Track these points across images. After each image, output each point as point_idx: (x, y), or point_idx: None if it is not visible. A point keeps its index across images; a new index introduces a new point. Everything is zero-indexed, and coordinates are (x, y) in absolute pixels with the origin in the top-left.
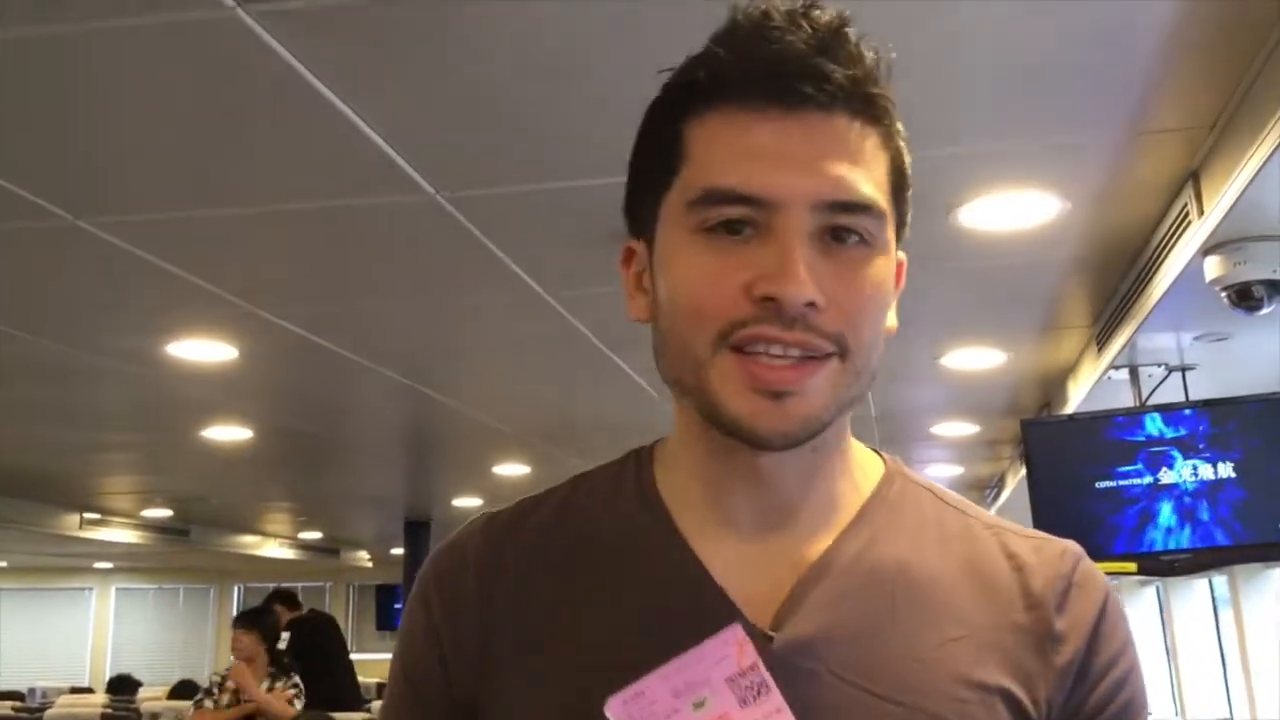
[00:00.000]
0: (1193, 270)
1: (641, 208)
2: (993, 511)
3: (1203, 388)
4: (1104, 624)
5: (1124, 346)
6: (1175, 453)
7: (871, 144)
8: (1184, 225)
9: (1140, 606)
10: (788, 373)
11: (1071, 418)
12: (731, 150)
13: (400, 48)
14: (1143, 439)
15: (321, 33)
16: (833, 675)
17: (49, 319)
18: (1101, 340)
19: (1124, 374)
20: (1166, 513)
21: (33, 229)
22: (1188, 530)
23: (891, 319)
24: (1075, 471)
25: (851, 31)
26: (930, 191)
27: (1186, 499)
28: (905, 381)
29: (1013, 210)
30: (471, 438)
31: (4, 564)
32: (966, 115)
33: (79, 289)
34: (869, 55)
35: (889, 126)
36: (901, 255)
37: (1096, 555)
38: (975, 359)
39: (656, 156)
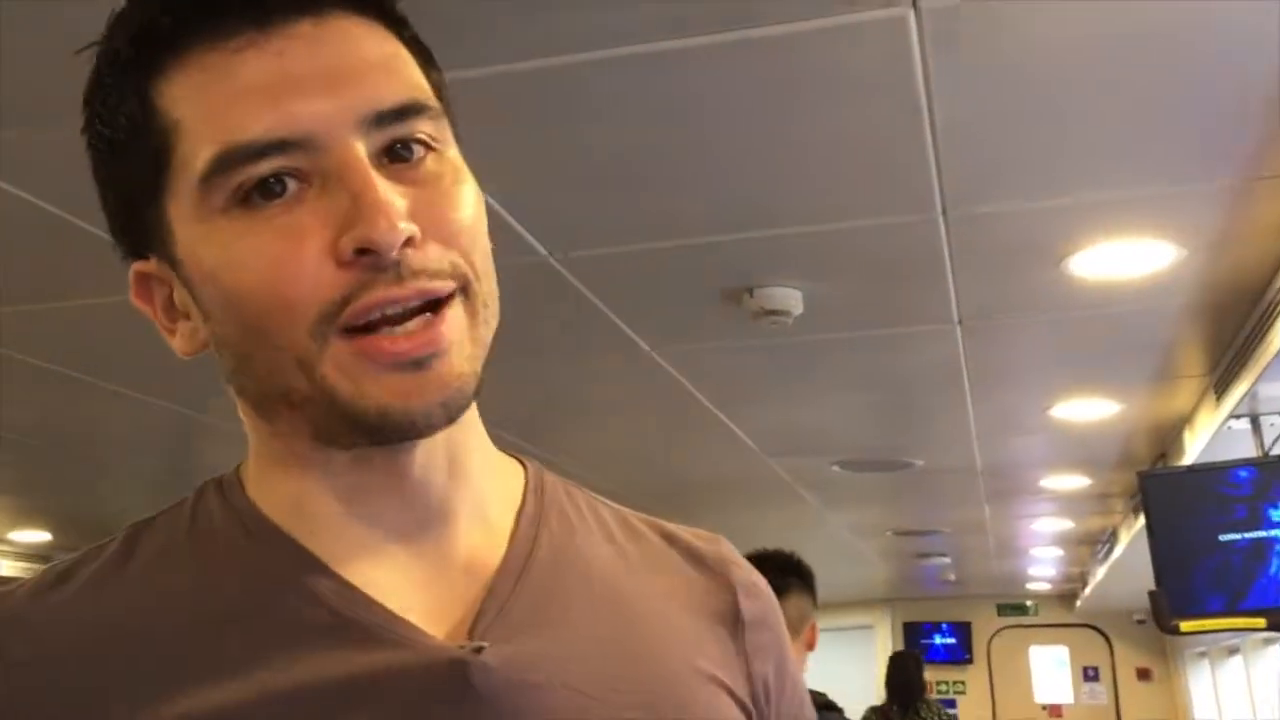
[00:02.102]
0: None
1: (136, 218)
2: (1105, 568)
3: None
4: (775, 610)
5: (1245, 395)
6: None
7: (383, 38)
8: None
9: (1263, 667)
10: (421, 332)
11: (1191, 469)
12: (229, 96)
13: (514, 115)
14: (1268, 490)
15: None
16: (563, 686)
17: (162, 380)
18: (1220, 389)
19: (1245, 423)
20: None
21: None
22: None
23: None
24: (1197, 524)
25: None
26: (1042, 241)
27: None
28: (1014, 434)
29: (1126, 259)
30: None
31: None
32: (1078, 165)
33: None
34: None
35: (390, 12)
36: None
37: (1222, 610)
38: (1087, 410)
39: (130, 144)
